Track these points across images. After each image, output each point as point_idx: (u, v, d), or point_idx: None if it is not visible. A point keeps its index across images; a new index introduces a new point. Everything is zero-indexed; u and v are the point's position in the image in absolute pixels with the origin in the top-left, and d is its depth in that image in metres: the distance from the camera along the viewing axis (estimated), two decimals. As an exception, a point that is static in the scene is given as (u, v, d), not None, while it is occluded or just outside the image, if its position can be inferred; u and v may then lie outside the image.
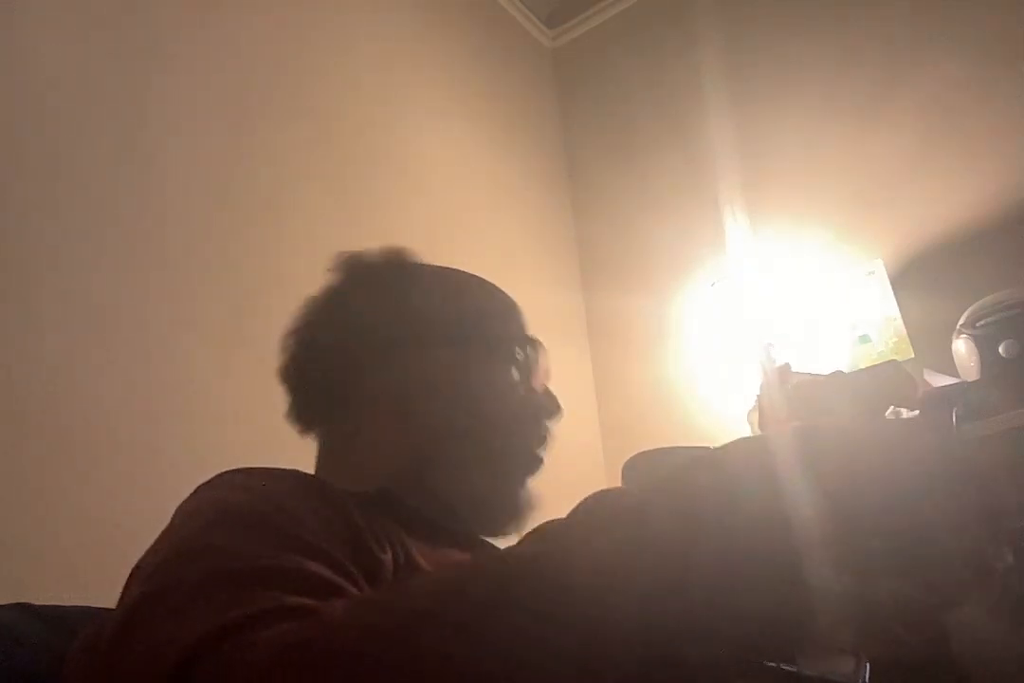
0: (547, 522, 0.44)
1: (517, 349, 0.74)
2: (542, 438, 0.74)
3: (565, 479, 1.81)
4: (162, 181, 1.38)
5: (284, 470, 0.69)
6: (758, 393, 0.52)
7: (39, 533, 1.03)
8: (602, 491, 0.44)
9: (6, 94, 1.22)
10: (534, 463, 0.73)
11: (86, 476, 1.11)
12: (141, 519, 0.56)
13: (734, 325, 1.83)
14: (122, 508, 1.08)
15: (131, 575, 0.48)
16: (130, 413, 1.19)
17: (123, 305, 1.25)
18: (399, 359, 0.71)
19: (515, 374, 0.73)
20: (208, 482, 0.58)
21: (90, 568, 1.00)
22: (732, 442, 0.39)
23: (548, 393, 0.76)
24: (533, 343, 0.76)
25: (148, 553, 0.50)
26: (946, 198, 1.78)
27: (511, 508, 0.70)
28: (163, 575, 0.44)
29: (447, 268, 0.80)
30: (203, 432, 1.27)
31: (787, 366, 0.58)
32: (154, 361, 1.23)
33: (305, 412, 0.74)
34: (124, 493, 1.11)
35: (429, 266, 0.79)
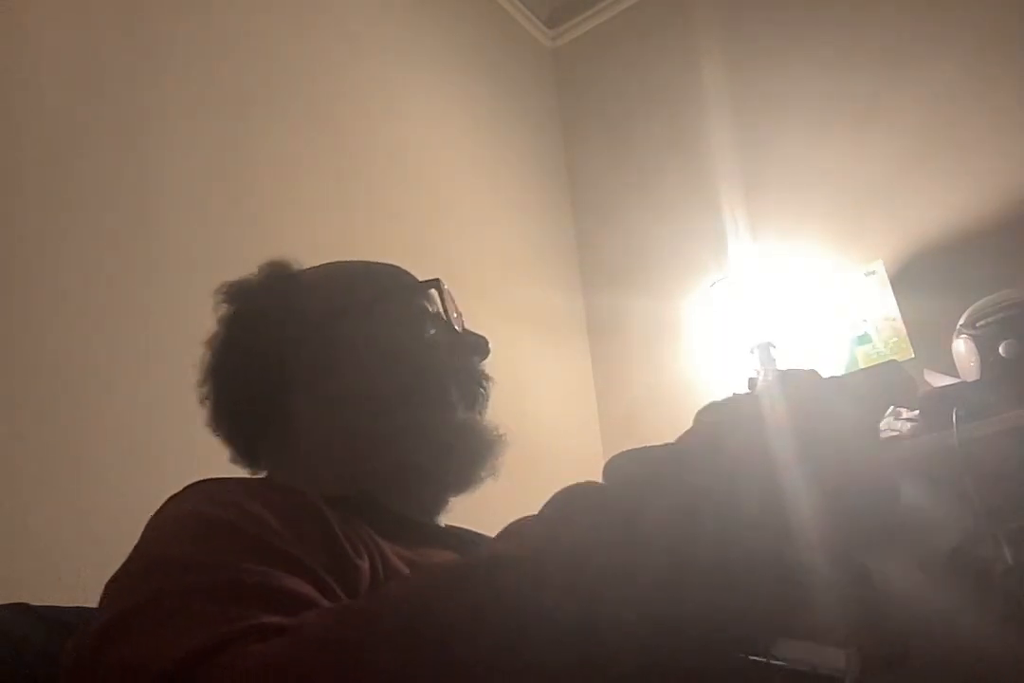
0: (520, 520, 0.43)
1: (412, 300, 0.74)
2: (475, 373, 0.74)
3: (565, 479, 1.81)
4: (161, 177, 1.38)
5: (256, 479, 0.69)
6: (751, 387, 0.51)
7: (39, 533, 1.03)
8: (575, 485, 0.43)
9: (6, 93, 1.22)
10: (476, 398, 0.73)
11: (86, 476, 1.11)
12: (141, 519, 0.56)
13: (734, 325, 1.83)
14: (122, 508, 1.08)
15: (106, 588, 0.48)
16: (131, 413, 1.19)
17: (123, 303, 1.25)
18: (312, 359, 0.70)
19: (424, 324, 0.73)
20: (178, 494, 0.57)
21: (90, 568, 1.00)
22: (726, 439, 0.39)
23: (468, 332, 0.75)
24: (425, 288, 0.75)
25: (123, 567, 0.50)
26: (946, 198, 1.78)
27: (473, 450, 0.70)
28: (139, 591, 0.44)
29: (327, 263, 0.79)
30: (205, 432, 1.26)
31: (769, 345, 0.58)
32: (155, 360, 1.23)
33: (251, 450, 0.74)
34: (124, 493, 1.11)
35: (309, 268, 0.78)
